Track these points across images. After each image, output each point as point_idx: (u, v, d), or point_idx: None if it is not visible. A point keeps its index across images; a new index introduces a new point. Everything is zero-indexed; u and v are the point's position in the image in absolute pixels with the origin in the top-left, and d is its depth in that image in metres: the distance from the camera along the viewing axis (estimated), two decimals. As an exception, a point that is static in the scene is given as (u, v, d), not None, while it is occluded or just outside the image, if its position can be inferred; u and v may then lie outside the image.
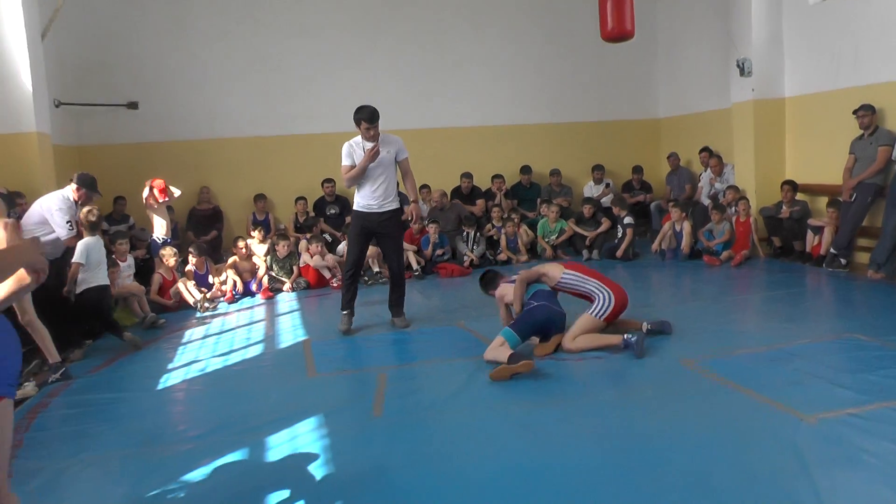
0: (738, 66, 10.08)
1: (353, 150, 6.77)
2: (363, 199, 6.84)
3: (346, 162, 6.79)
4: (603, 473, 3.67)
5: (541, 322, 5.79)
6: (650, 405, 4.62)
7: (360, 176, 6.71)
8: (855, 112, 8.50)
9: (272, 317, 7.93)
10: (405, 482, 3.67)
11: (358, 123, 6.68)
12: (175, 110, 11.45)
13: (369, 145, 6.69)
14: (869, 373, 4.93)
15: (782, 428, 4.10)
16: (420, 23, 12.27)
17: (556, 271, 6.13)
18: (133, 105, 11.29)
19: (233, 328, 7.50)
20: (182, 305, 8.46)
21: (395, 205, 6.94)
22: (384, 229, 6.92)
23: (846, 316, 6.86)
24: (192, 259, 8.88)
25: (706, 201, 10.76)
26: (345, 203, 11.43)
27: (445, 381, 5.31)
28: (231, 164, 11.67)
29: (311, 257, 9.46)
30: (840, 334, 5.99)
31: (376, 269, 9.53)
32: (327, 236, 10.66)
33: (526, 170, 12.26)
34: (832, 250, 8.61)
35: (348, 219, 10.83)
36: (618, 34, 7.24)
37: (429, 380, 5.42)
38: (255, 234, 10.22)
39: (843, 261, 8.50)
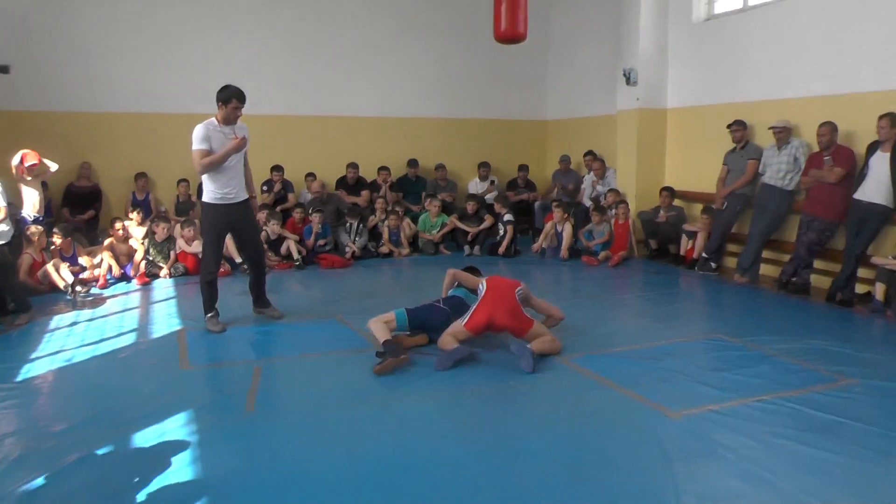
0: (624, 75, 10.43)
1: (210, 133, 6.17)
2: (219, 190, 6.29)
3: (202, 146, 6.12)
4: (474, 466, 3.75)
5: (428, 323, 5.86)
6: (524, 400, 4.75)
7: (219, 164, 6.18)
8: (729, 126, 8.97)
9: (147, 304, 7.59)
10: (274, 479, 3.60)
11: (227, 101, 6.15)
12: (53, 77, 10.70)
13: (227, 129, 6.24)
14: (730, 371, 5.24)
15: (649, 423, 4.31)
16: (320, 6, 12.06)
17: (475, 283, 6.03)
18: (3, 69, 10.33)
19: (104, 315, 7.13)
20: (54, 289, 7.96)
21: (246, 193, 6.56)
22: (243, 220, 6.55)
23: (713, 317, 7.23)
24: (56, 240, 8.23)
25: (588, 203, 11.08)
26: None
27: (321, 375, 5.27)
28: (113, 139, 11.09)
29: (186, 243, 9.14)
30: (707, 334, 6.32)
31: (238, 258, 9.14)
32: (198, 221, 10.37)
33: (413, 163, 12.31)
34: (704, 254, 9.05)
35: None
36: (510, 36, 7.35)
37: (304, 374, 5.34)
38: (134, 215, 9.80)
39: (713, 265, 8.96)
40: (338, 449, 3.98)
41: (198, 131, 6.16)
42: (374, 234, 10.64)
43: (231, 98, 6.16)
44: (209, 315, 6.52)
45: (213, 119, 6.29)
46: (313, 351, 5.85)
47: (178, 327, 6.60)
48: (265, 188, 11.26)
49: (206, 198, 6.38)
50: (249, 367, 5.38)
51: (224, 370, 5.44)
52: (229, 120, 6.25)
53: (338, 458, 3.85)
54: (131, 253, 8.91)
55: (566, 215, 10.28)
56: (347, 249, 10.09)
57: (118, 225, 8.97)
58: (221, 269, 7.92)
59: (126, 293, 8.13)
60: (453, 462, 3.79)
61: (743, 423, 4.29)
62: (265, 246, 8.59)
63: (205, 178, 6.33)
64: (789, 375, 5.13)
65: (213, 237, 6.48)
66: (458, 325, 5.60)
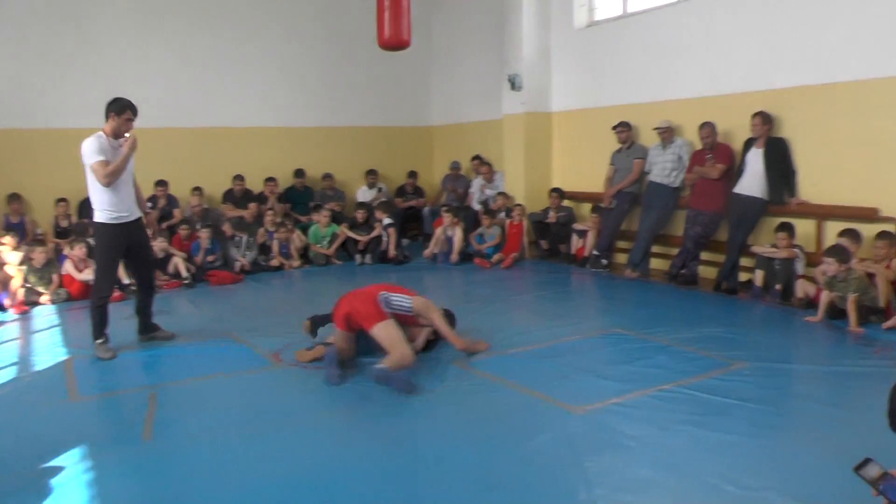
0: (509, 80, 10.58)
1: (105, 145, 5.82)
2: (116, 208, 5.92)
3: (102, 157, 5.76)
4: (381, 479, 3.66)
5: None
6: (428, 408, 4.67)
7: (122, 171, 5.83)
8: (614, 128, 9.24)
9: (28, 334, 7.03)
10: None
11: (120, 112, 5.86)
12: None
13: (116, 143, 5.90)
14: (629, 364, 5.37)
15: (554, 420, 4.35)
16: (199, 16, 11.71)
17: None
18: None
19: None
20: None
21: (139, 211, 6.26)
22: (138, 239, 6.22)
23: (609, 312, 7.39)
24: None
25: (477, 206, 11.18)
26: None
27: (219, 396, 5.05)
28: None
29: (75, 265, 8.59)
30: (604, 329, 6.46)
31: (126, 280, 8.60)
32: (91, 240, 9.90)
33: (300, 173, 12.11)
34: (595, 252, 9.26)
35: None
36: (394, 43, 7.34)
37: (202, 397, 5.07)
38: (8, 239, 9.19)
39: (604, 261, 9.17)
40: (241, 472, 3.79)
41: (91, 144, 5.80)
42: (265, 247, 10.39)
43: (125, 109, 5.90)
44: (99, 341, 6.09)
45: (102, 133, 5.92)
46: (210, 372, 5.57)
47: (64, 357, 6.11)
48: (150, 204, 10.82)
49: (99, 218, 5.96)
50: (144, 394, 5.04)
51: (117, 399, 5.10)
52: (119, 133, 5.94)
53: (243, 482, 3.67)
54: (7, 280, 8.33)
55: (456, 220, 10.33)
56: (237, 264, 9.79)
57: None
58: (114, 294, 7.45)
59: (1, 323, 7.58)
60: (361, 476, 3.70)
61: (646, 412, 4.39)
62: None
63: (97, 196, 5.93)
64: (686, 363, 5.30)
65: (108, 259, 6.12)
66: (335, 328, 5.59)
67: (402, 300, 5.47)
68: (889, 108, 6.71)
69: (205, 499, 3.53)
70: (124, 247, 6.11)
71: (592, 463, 3.73)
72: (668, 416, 4.31)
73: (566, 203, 10.22)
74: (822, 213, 7.28)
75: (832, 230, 7.05)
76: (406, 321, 5.52)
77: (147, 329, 6.53)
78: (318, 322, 6.08)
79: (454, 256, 10.08)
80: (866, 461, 2.68)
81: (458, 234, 10.19)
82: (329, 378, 5.13)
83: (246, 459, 3.95)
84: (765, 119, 7.43)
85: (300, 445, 4.13)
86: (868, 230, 6.71)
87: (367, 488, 3.56)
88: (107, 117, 5.94)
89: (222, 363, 5.82)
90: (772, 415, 4.35)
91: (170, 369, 5.77)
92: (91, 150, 5.78)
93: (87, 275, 8.36)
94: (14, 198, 10.28)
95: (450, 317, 5.91)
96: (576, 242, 9.77)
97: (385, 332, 5.21)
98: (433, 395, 4.87)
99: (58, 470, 3.89)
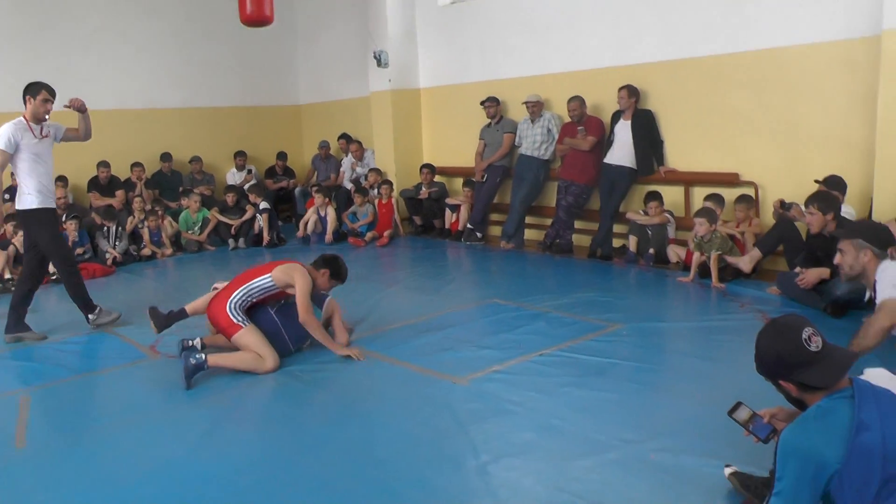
0: (375, 57, 10.44)
1: (21, 134, 5.72)
2: (47, 194, 5.89)
3: (8, 149, 5.66)
4: (264, 467, 3.53)
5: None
6: (309, 390, 4.55)
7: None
8: (482, 103, 9.26)
9: None
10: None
11: (36, 94, 5.75)
12: None
13: (37, 128, 5.80)
14: (509, 332, 5.40)
15: (438, 392, 4.32)
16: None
17: None
18: None
19: None
20: None
21: None
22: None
23: (486, 284, 7.44)
24: None
25: (349, 185, 11.04)
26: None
27: (97, 394, 4.81)
28: None
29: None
30: (482, 300, 6.49)
31: (7, 275, 8.34)
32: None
33: (166, 157, 11.58)
34: (469, 226, 9.30)
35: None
36: (256, 18, 7.12)
37: (79, 396, 4.79)
38: None
39: (478, 234, 9.22)
40: (121, 472, 3.56)
41: (5, 130, 5.69)
42: (135, 236, 9.87)
43: (41, 90, 5.79)
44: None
45: (22, 118, 5.80)
46: (85, 370, 5.28)
47: None
48: (7, 196, 10.09)
49: (32, 204, 5.78)
50: (15, 399, 4.67)
51: (-16, 407, 4.70)
52: (39, 116, 5.80)
53: (122, 483, 3.44)
54: None
55: (327, 199, 10.15)
56: (108, 256, 9.25)
57: None
58: None
59: None
60: (242, 465, 3.54)
61: (527, 378, 4.42)
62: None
63: (25, 179, 5.78)
64: (564, 328, 5.38)
65: (55, 241, 6.03)
66: None
67: (262, 282, 5.12)
68: (746, 81, 7.03)
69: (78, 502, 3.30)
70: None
71: (478, 431, 3.72)
72: (548, 380, 4.36)
73: (438, 178, 10.19)
74: (689, 180, 7.55)
75: (698, 196, 7.35)
76: (281, 297, 5.27)
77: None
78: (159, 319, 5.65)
79: (328, 236, 9.89)
80: (738, 405, 2.86)
81: (330, 214, 10.01)
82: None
83: (124, 458, 3.71)
84: (631, 92, 7.60)
85: (179, 437, 3.93)
86: (730, 194, 7.02)
87: (245, 477, 3.42)
88: (24, 102, 5.83)
89: (98, 359, 5.59)
90: (647, 371, 4.48)
91: (43, 370, 5.29)
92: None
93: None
94: None
95: (330, 263, 5.48)
96: (449, 217, 9.78)
97: (243, 340, 4.93)
98: (315, 376, 4.74)
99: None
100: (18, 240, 8.55)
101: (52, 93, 5.87)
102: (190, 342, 5.25)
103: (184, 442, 3.87)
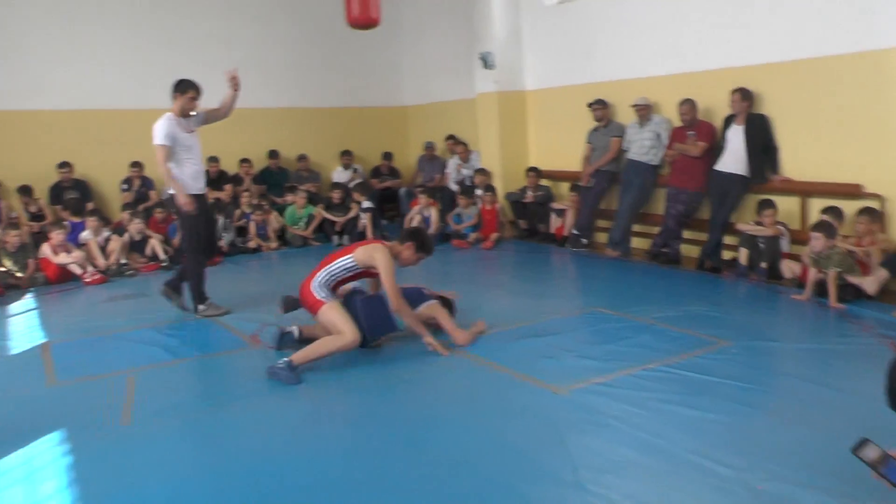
0: (481, 59, 10.40)
1: (173, 128, 6.22)
2: (193, 182, 6.36)
3: (166, 142, 6.17)
4: (360, 460, 3.58)
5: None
6: (410, 389, 4.58)
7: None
8: (590, 105, 9.10)
9: (3, 318, 6.92)
10: (154, 496, 3.30)
11: (183, 92, 6.27)
12: None
13: (184, 122, 6.30)
14: (612, 343, 5.26)
15: (537, 401, 4.25)
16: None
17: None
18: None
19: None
20: None
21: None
22: (204, 210, 6.60)
23: (590, 291, 7.29)
24: None
25: (454, 187, 11.05)
26: (84, 188, 10.52)
27: (198, 379, 5.02)
28: None
29: (53, 251, 8.43)
30: (585, 309, 6.35)
31: (123, 259, 8.84)
32: (68, 223, 9.72)
33: (274, 154, 11.92)
34: (574, 231, 9.16)
35: (90, 205, 9.99)
36: (363, 20, 7.20)
37: (181, 380, 5.01)
38: None
39: (584, 240, 9.07)
40: (220, 455, 3.72)
41: (162, 126, 6.20)
42: (241, 229, 10.22)
43: (188, 88, 6.28)
44: (204, 304, 6.54)
45: (171, 113, 6.30)
46: (188, 355, 5.52)
47: (41, 341, 6.01)
48: (125, 186, 10.68)
49: (183, 190, 6.28)
50: (122, 378, 4.94)
51: (96, 383, 4.92)
52: (185, 111, 6.31)
53: (220, 466, 3.59)
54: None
55: (431, 200, 10.20)
56: (215, 246, 9.63)
57: None
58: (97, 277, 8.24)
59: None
60: (339, 459, 3.60)
61: (629, 392, 4.29)
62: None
63: (175, 169, 6.28)
64: (669, 342, 5.20)
65: (194, 224, 6.43)
66: None
67: (344, 262, 5.18)
68: (870, 84, 6.58)
69: (180, 482, 3.44)
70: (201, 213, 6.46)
71: (576, 444, 3.64)
72: (651, 396, 4.22)
73: (543, 182, 10.08)
74: (805, 190, 7.17)
75: (815, 207, 6.96)
76: (365, 276, 5.37)
77: (174, 288, 6.73)
78: (289, 303, 5.95)
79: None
80: (864, 442, 2.53)
81: (434, 215, 10.05)
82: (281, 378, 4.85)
83: (223, 443, 3.89)
84: (744, 95, 7.30)
85: (273, 426, 4.08)
86: (851, 207, 6.62)
87: (340, 472, 3.47)
88: (173, 98, 6.35)
89: (200, 345, 5.80)
90: (756, 393, 4.25)
91: (149, 352, 5.60)
92: (161, 132, 6.18)
93: (64, 259, 8.30)
94: None
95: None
96: (554, 222, 9.65)
97: (325, 317, 5.04)
98: (416, 376, 4.78)
99: (32, 455, 3.81)
100: (135, 227, 9.02)
101: (198, 91, 6.34)
102: (287, 328, 5.41)
103: (276, 431, 3.99)
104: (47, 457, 3.77)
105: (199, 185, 6.45)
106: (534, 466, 3.43)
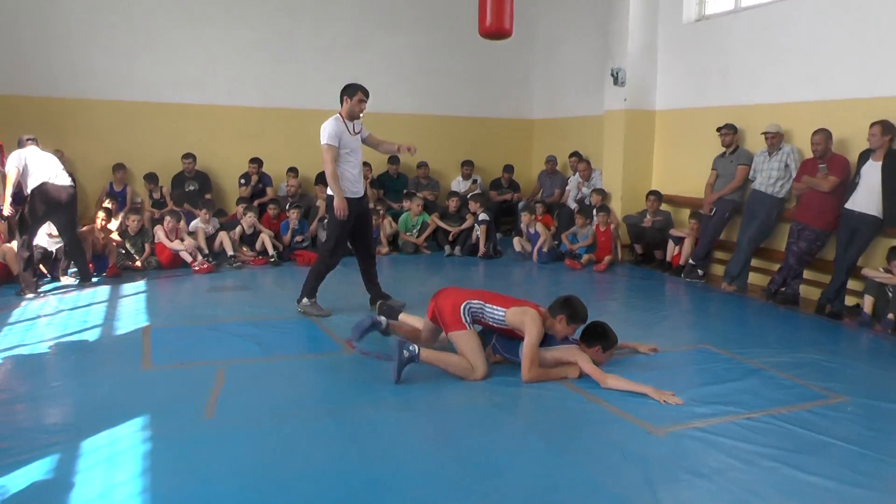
0: (612, 74, 10.20)
1: (340, 129, 6.47)
2: (352, 185, 6.59)
3: (333, 142, 6.42)
4: (439, 484, 3.52)
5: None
6: (501, 414, 4.49)
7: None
8: (719, 130, 8.76)
9: (115, 298, 7.33)
10: (224, 495, 3.34)
11: (352, 95, 6.47)
12: (26, 60, 10.35)
13: (351, 125, 6.53)
14: (717, 385, 5.03)
15: (631, 441, 4.08)
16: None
17: None
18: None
19: (70, 309, 6.87)
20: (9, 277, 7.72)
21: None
22: (364, 212, 6.82)
23: (700, 326, 7.00)
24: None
25: (573, 205, 10.88)
26: (204, 179, 10.94)
27: (286, 379, 5.05)
28: (90, 128, 10.73)
29: (166, 236, 8.86)
30: (694, 345, 6.11)
31: (230, 251, 9.21)
32: (180, 212, 10.18)
33: (394, 160, 12.00)
34: (691, 261, 8.85)
35: (208, 195, 10.41)
36: (495, 31, 7.12)
37: (269, 377, 5.07)
38: (107, 205, 9.45)
39: (700, 272, 8.76)
40: (296, 461, 3.74)
41: (330, 127, 6.43)
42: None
43: (356, 91, 6.47)
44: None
45: (339, 115, 6.53)
46: (281, 353, 5.63)
47: (144, 324, 6.33)
48: (243, 181, 11.05)
49: (343, 194, 6.53)
50: (213, 369, 5.10)
51: (187, 371, 5.12)
52: (354, 114, 6.52)
53: (294, 472, 3.61)
54: (104, 245, 8.60)
55: (535, 216, 10.08)
56: (325, 247, 9.84)
57: (101, 214, 8.68)
58: (205, 266, 8.54)
59: (95, 286, 7.85)
60: (418, 480, 3.56)
61: (730, 441, 4.07)
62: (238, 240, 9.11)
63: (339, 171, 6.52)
64: (778, 391, 4.93)
65: (342, 230, 6.64)
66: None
67: (495, 311, 5.13)
68: None
69: (253, 485, 3.47)
70: (354, 218, 6.62)
71: (666, 493, 3.47)
72: (753, 449, 3.98)
73: (664, 207, 9.79)
74: (946, 238, 6.67)
75: (955, 257, 6.47)
76: (506, 333, 5.28)
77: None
78: (387, 309, 6.04)
79: (533, 254, 9.85)
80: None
81: (541, 231, 9.92)
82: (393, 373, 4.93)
83: (301, 449, 3.92)
84: (886, 129, 6.80)
85: (353, 437, 4.06)
86: None
87: (415, 493, 3.43)
88: (341, 101, 6.54)
89: (295, 344, 5.90)
90: (872, 460, 3.90)
91: (242, 346, 5.80)
92: (329, 133, 6.41)
93: (177, 245, 8.68)
94: (119, 167, 10.60)
95: (599, 336, 5.30)
96: (671, 249, 9.35)
97: (462, 341, 5.03)
98: (509, 401, 4.70)
99: (116, 437, 3.96)
100: (247, 221, 9.33)
101: (366, 94, 6.53)
102: (378, 318, 5.50)
103: (355, 443, 3.99)
104: (129, 441, 3.90)
105: (357, 189, 6.64)
106: (615, 510, 3.29)
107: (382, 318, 5.58)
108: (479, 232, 10.17)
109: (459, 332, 5.02)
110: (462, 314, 5.04)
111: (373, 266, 7.08)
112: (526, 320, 5.01)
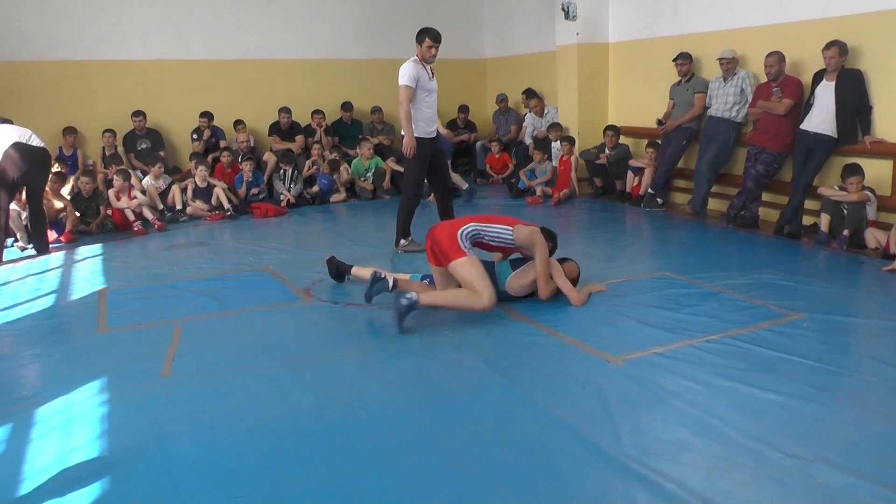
0: (562, 9, 10.00)
1: (419, 71, 6.60)
2: (427, 125, 6.78)
3: (410, 83, 6.57)
4: (398, 427, 3.46)
5: None
6: (456, 352, 4.43)
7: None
8: (675, 60, 8.67)
9: (70, 264, 7.12)
10: (184, 452, 3.25)
11: (421, 41, 6.60)
12: None
13: (428, 68, 6.70)
14: (677, 311, 5.02)
15: (589, 371, 4.05)
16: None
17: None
18: None
19: (22, 277, 6.66)
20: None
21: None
22: (436, 153, 6.96)
23: (660, 254, 7.00)
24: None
25: (529, 141, 10.78)
26: (156, 137, 10.66)
27: (243, 332, 4.93)
28: (32, 92, 10.29)
29: (116, 197, 8.63)
30: (654, 272, 6.08)
31: (179, 206, 9.03)
32: (139, 172, 9.92)
33: (347, 106, 11.78)
34: (650, 191, 8.82)
35: (161, 152, 10.16)
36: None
37: (227, 332, 4.95)
38: (58, 169, 9.08)
39: (659, 200, 8.74)
40: (253, 414, 3.65)
41: (408, 69, 6.58)
42: (310, 180, 10.22)
43: (424, 38, 6.60)
44: (406, 240, 7.03)
45: (416, 57, 6.69)
46: (239, 306, 5.50)
47: (100, 287, 6.17)
48: (195, 136, 10.79)
49: (414, 133, 6.70)
50: (170, 328, 4.98)
51: (143, 332, 4.96)
52: (426, 57, 6.64)
53: (251, 424, 3.52)
54: (56, 211, 8.34)
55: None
56: (282, 197, 9.65)
57: (52, 178, 8.31)
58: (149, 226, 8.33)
59: (49, 252, 7.62)
60: (374, 423, 3.50)
61: (689, 365, 4.06)
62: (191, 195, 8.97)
63: (413, 114, 6.67)
64: (737, 312, 4.93)
65: (419, 168, 6.88)
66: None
67: (501, 231, 5.01)
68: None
69: (212, 440, 3.38)
70: (428, 158, 6.83)
71: (625, 420, 3.44)
72: (712, 371, 3.98)
73: (622, 140, 9.70)
74: (899, 153, 6.66)
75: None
76: (507, 252, 5.36)
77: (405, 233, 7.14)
78: (336, 266, 5.91)
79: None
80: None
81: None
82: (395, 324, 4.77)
83: (259, 401, 3.83)
84: (842, 50, 6.73)
85: (312, 386, 4.00)
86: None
87: (375, 436, 3.37)
88: (416, 45, 6.70)
89: (252, 297, 5.75)
90: (828, 374, 3.90)
91: (200, 302, 5.67)
92: (407, 74, 6.56)
93: (122, 203, 8.45)
94: (69, 131, 10.24)
95: (551, 238, 5.42)
96: (631, 180, 9.32)
97: (463, 269, 4.80)
98: (463, 339, 4.63)
99: (72, 402, 3.85)
100: (199, 174, 9.11)
101: (435, 39, 6.62)
102: (382, 273, 5.25)
103: (315, 392, 3.92)
104: (86, 405, 3.80)
105: (431, 129, 6.83)
106: (577, 443, 3.25)
107: (389, 277, 5.26)
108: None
109: (460, 260, 4.80)
110: (460, 240, 4.85)
111: (450, 202, 7.22)
112: (536, 239, 5.02)
